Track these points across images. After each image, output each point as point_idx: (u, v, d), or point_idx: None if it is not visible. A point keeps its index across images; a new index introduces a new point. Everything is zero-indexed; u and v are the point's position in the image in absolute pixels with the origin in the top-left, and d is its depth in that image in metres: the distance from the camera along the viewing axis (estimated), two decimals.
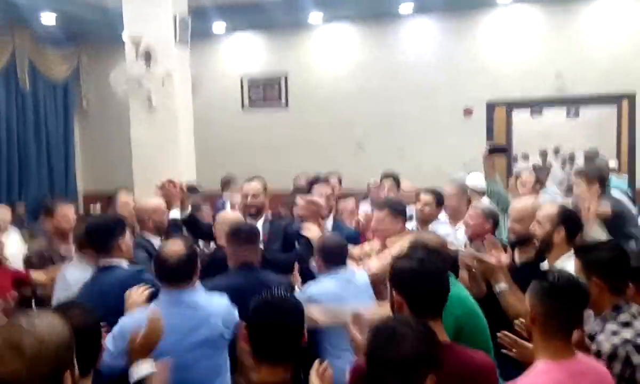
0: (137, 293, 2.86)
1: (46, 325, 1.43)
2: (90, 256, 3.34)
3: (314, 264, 3.78)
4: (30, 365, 1.37)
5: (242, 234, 3.40)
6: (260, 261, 3.46)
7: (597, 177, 4.71)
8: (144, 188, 6.73)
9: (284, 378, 2.03)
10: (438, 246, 2.85)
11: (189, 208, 4.58)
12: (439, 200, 4.74)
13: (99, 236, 3.24)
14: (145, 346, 2.45)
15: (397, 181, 5.73)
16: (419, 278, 2.16)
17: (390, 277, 2.27)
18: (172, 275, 2.79)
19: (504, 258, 3.17)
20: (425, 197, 4.74)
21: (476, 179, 5.45)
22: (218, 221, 4.16)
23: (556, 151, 11.20)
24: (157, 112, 6.75)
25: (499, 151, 5.39)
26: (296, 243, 4.20)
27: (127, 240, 3.31)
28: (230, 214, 4.41)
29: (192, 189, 5.34)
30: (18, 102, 9.43)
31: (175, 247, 2.83)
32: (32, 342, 1.39)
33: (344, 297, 3.32)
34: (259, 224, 4.36)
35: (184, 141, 6.93)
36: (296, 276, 3.77)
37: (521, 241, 3.46)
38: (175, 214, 4.50)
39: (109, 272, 3.13)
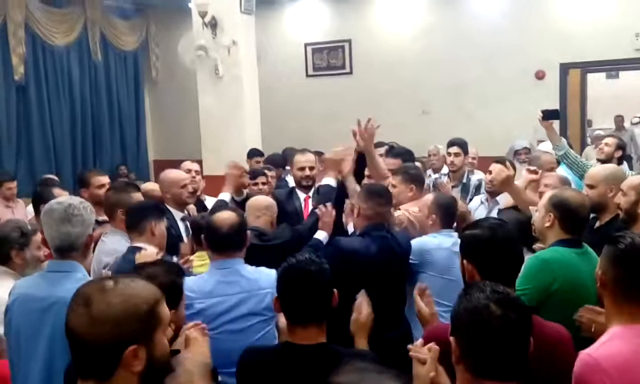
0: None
1: (122, 292, 1.44)
2: (123, 229, 3.30)
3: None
4: (93, 322, 1.40)
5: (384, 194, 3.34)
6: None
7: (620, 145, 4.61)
8: (212, 155, 6.88)
9: (318, 339, 2.07)
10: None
11: (245, 194, 4.43)
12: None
13: (131, 215, 3.20)
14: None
15: (464, 148, 5.39)
16: (490, 246, 2.12)
17: (460, 246, 2.24)
18: (224, 243, 2.81)
19: None
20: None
21: (546, 147, 5.29)
22: (249, 206, 3.82)
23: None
24: (223, 80, 6.84)
25: (552, 115, 5.19)
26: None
27: (161, 226, 3.18)
28: (261, 198, 3.98)
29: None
30: (91, 73, 9.74)
31: (227, 215, 2.87)
32: (100, 303, 1.42)
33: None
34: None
35: (249, 108, 7.01)
36: None
37: (596, 208, 3.36)
38: (225, 197, 4.27)
39: (131, 253, 2.98)
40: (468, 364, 1.65)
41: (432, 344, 1.89)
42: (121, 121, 10.30)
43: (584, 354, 2.01)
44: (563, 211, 2.79)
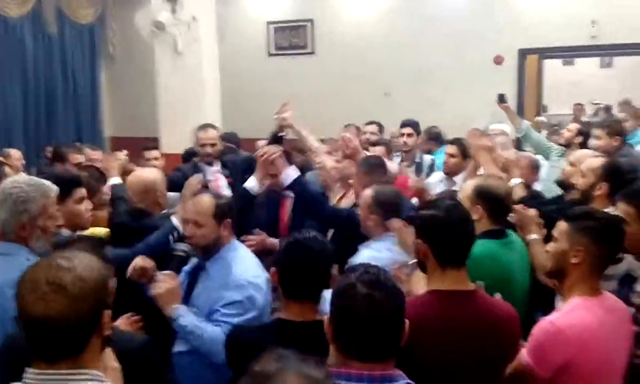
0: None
1: (85, 264, 1.46)
2: None
3: None
4: (74, 303, 1.39)
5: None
6: None
7: (619, 131, 4.75)
8: (170, 134, 6.78)
9: (312, 316, 2.08)
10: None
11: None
12: (464, 150, 4.63)
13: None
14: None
15: (416, 129, 5.50)
16: (445, 226, 2.14)
17: (415, 226, 2.26)
18: None
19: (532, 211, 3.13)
20: (450, 149, 4.66)
21: (499, 127, 5.40)
22: (130, 181, 3.59)
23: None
24: (183, 57, 6.73)
25: (502, 99, 5.42)
26: None
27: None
28: (145, 172, 3.74)
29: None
30: (45, 46, 9.42)
31: (206, 198, 2.87)
32: (74, 280, 1.41)
33: None
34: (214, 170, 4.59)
35: (209, 86, 6.92)
36: None
37: (583, 199, 3.37)
38: (116, 180, 4.17)
39: None
40: (338, 343, 1.66)
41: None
42: (76, 97, 10.00)
43: (546, 322, 2.08)
44: (492, 201, 2.73)
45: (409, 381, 1.66)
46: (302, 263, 2.10)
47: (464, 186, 3.01)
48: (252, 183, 3.52)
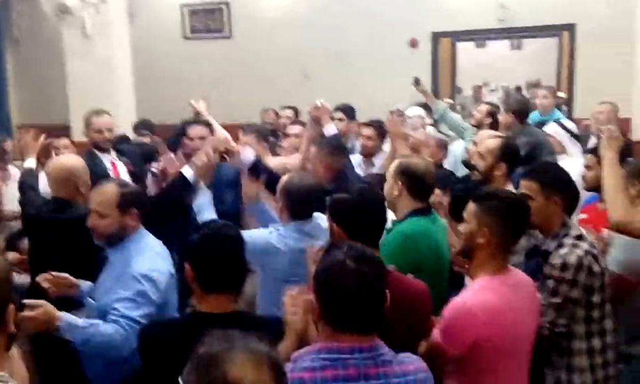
0: None
1: None
2: None
3: None
4: None
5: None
6: None
7: (515, 110, 5.05)
8: (81, 120, 6.51)
9: (233, 307, 2.06)
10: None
11: None
12: (381, 131, 4.72)
13: None
14: None
15: (349, 114, 5.45)
16: (357, 209, 2.18)
17: (329, 209, 2.29)
18: None
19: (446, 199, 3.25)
20: (366, 131, 4.71)
21: (415, 111, 5.55)
22: (49, 168, 3.41)
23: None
24: (92, 41, 6.47)
25: (417, 81, 5.62)
26: None
27: None
28: (66, 158, 3.56)
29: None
30: None
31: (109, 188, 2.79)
32: None
33: None
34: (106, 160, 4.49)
35: (121, 71, 6.70)
36: None
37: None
38: (30, 163, 3.97)
39: None
40: (328, 318, 1.71)
41: (305, 296, 1.96)
42: None
43: (457, 302, 2.15)
44: (411, 178, 2.85)
45: (390, 350, 1.72)
46: (219, 253, 2.06)
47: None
48: (188, 172, 3.26)
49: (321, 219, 2.94)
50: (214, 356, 1.23)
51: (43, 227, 3.24)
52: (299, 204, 2.99)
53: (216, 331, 1.31)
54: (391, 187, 2.87)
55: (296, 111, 6.19)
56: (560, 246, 2.50)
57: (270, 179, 3.40)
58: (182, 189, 3.22)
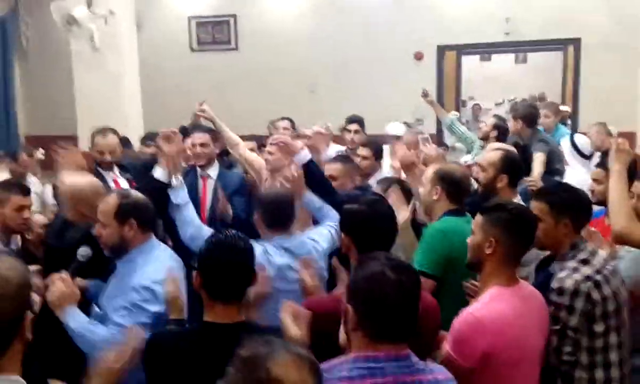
0: None
1: (7, 265, 1.46)
2: None
3: None
4: None
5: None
6: None
7: (523, 116, 5.09)
8: (88, 132, 6.54)
9: (238, 317, 2.06)
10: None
11: None
12: (377, 152, 4.63)
13: None
14: None
15: (363, 125, 5.25)
16: (367, 220, 2.19)
17: (340, 220, 2.30)
18: None
19: None
20: (362, 151, 4.60)
21: (395, 128, 5.56)
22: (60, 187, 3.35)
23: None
24: (100, 52, 6.51)
25: (425, 94, 5.64)
26: None
27: None
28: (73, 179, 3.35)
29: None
30: None
31: (110, 199, 2.77)
32: None
33: None
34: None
35: (129, 83, 6.74)
36: None
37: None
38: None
39: None
40: (365, 328, 1.72)
41: (305, 310, 2.02)
42: None
43: (468, 314, 2.15)
44: (449, 183, 2.97)
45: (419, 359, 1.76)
46: (228, 262, 2.06)
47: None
48: (159, 173, 3.14)
49: (306, 236, 3.00)
50: (258, 355, 1.28)
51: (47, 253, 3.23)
52: (270, 214, 2.98)
53: (256, 336, 1.38)
54: (429, 193, 3.00)
55: (292, 123, 6.15)
56: (562, 269, 2.45)
57: (319, 180, 3.40)
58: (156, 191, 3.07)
